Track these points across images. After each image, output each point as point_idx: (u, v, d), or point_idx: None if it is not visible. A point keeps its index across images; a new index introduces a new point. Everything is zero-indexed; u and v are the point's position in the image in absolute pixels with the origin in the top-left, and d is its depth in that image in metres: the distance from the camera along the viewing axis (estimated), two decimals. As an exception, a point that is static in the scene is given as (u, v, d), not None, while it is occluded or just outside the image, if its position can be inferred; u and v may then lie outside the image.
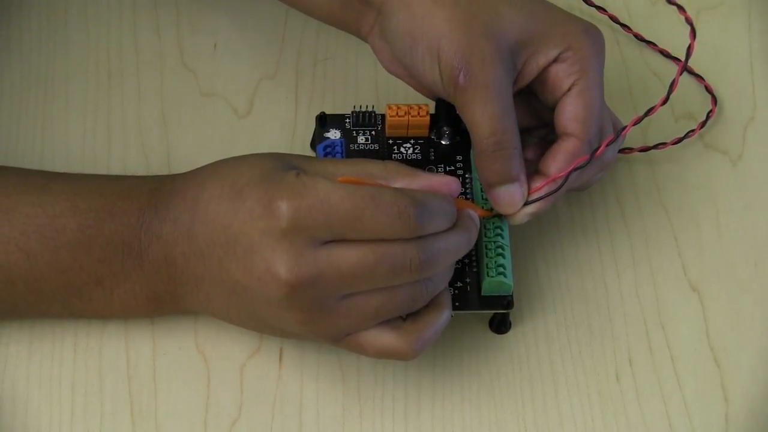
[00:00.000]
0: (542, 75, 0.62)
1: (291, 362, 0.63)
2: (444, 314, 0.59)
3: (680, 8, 0.73)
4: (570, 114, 0.61)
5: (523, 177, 0.60)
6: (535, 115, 0.65)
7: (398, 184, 0.58)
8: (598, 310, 0.66)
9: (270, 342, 0.63)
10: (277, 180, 0.56)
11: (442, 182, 0.59)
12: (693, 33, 0.63)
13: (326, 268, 0.55)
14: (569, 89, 0.61)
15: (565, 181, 0.61)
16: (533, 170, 0.62)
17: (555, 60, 0.61)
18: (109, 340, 0.63)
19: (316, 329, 0.57)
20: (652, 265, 0.67)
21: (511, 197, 0.61)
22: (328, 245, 0.55)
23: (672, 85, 0.62)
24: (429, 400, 0.63)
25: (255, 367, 0.63)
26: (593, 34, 0.62)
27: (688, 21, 0.66)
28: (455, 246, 0.57)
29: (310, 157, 0.60)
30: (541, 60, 0.61)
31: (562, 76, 0.61)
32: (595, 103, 0.61)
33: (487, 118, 0.59)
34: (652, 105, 0.59)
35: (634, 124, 0.62)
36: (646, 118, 0.72)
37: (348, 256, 0.55)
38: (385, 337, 0.57)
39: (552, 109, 0.62)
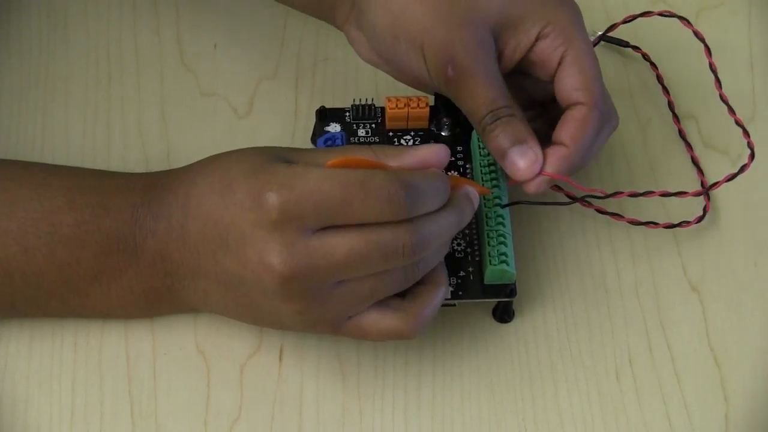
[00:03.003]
0: (530, 55, 0.62)
1: (291, 361, 0.63)
2: (441, 291, 0.59)
3: (717, 79, 0.69)
4: (570, 85, 0.61)
5: (531, 140, 0.60)
6: (527, 98, 0.64)
7: (388, 163, 0.58)
8: (598, 310, 0.66)
9: (270, 341, 0.63)
10: (266, 171, 0.56)
11: (431, 154, 0.58)
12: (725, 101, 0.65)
13: (319, 258, 0.55)
14: (561, 62, 0.61)
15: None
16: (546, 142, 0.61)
17: (537, 38, 0.61)
18: (109, 339, 0.63)
19: (313, 317, 0.57)
20: (652, 265, 0.67)
21: (523, 156, 0.59)
22: (320, 233, 0.55)
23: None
24: (429, 399, 0.63)
25: (255, 367, 0.63)
26: (568, 3, 0.62)
27: (724, 100, 0.68)
28: (446, 227, 0.57)
29: (299, 149, 0.59)
30: (523, 41, 0.61)
31: (549, 51, 0.61)
32: (591, 66, 0.61)
33: (482, 103, 0.60)
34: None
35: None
36: (646, 119, 0.72)
37: (340, 245, 0.55)
38: (386, 320, 0.58)
39: (549, 82, 0.62)
